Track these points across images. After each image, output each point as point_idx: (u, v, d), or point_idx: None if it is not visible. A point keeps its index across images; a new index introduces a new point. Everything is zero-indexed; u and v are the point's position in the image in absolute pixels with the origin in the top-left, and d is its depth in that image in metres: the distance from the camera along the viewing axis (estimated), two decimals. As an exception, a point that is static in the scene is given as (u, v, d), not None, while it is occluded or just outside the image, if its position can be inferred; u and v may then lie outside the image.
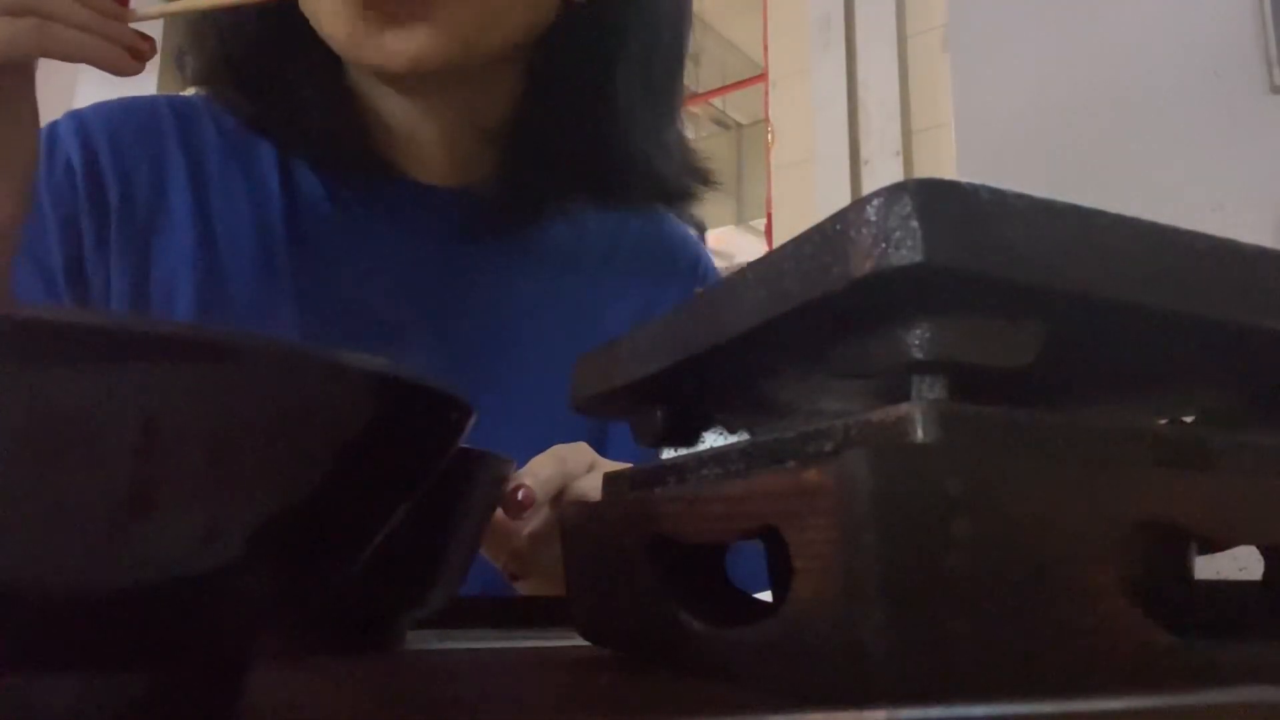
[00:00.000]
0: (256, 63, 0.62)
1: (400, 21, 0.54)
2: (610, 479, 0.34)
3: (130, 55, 0.47)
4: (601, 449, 0.56)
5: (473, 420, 0.21)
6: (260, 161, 0.66)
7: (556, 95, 0.64)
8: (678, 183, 0.71)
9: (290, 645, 0.32)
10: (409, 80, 0.60)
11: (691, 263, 0.79)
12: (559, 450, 0.53)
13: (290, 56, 0.61)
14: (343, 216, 0.66)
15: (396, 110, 0.64)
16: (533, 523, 0.51)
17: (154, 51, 0.49)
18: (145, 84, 2.99)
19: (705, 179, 0.73)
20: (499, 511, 0.47)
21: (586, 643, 0.33)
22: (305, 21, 0.58)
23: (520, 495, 0.48)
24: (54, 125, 0.64)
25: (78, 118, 0.65)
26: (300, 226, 0.65)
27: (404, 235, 0.67)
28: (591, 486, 0.51)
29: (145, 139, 0.65)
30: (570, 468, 0.52)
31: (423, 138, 0.66)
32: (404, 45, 0.54)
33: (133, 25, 0.48)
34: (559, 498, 0.51)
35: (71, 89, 2.78)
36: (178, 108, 0.67)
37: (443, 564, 0.37)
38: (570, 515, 0.33)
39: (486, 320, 0.68)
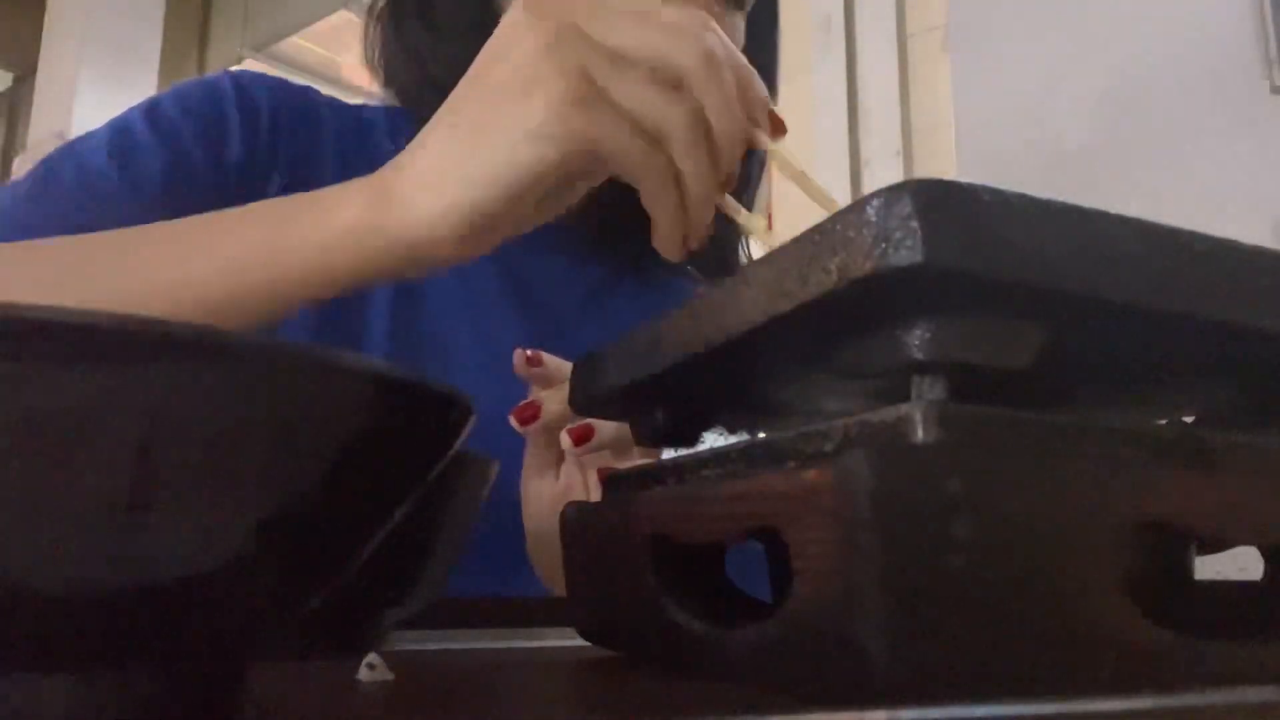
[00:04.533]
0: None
1: None
2: (610, 479, 0.34)
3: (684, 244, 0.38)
4: None
5: (472, 420, 0.21)
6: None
7: None
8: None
9: (268, 645, 0.31)
10: None
11: None
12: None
13: None
14: None
15: None
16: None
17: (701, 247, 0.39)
18: (145, 78, 2.99)
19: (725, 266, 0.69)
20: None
21: (586, 643, 0.33)
22: None
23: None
24: (210, 79, 0.61)
25: (234, 79, 0.61)
26: None
27: (523, 269, 0.66)
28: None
29: (305, 124, 0.63)
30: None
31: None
32: None
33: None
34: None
35: (71, 90, 2.78)
36: (338, 109, 0.66)
37: (425, 565, 0.37)
38: (570, 515, 0.33)
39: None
